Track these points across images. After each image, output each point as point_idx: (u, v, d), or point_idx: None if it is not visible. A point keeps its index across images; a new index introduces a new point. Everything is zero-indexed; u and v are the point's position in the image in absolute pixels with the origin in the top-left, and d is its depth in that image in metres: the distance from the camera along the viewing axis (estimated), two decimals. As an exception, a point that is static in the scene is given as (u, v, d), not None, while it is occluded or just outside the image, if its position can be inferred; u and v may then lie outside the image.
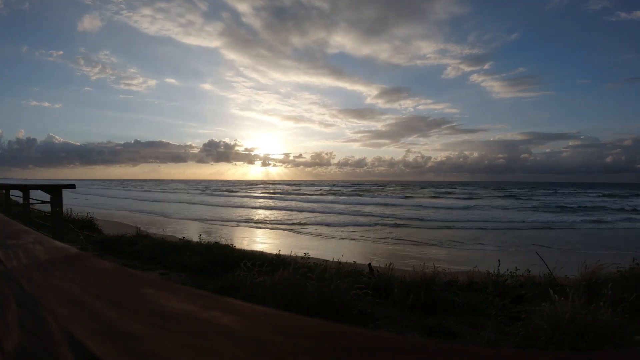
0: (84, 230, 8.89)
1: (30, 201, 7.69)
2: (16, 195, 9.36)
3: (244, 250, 7.33)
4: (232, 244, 7.01)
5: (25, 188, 7.60)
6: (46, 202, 6.77)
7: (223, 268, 5.16)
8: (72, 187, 6.56)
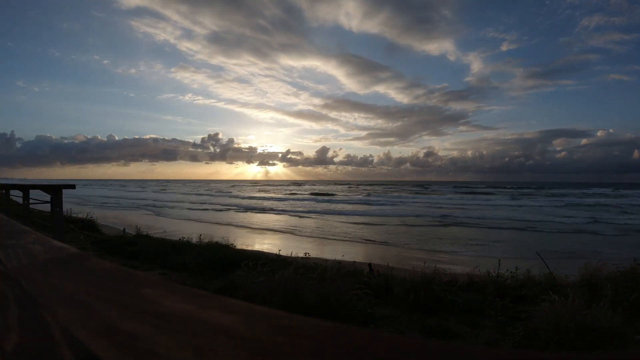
0: (84, 230, 8.89)
1: (30, 201, 7.69)
2: (16, 195, 9.36)
3: (244, 250, 7.33)
4: (232, 244, 7.01)
5: (25, 188, 7.60)
6: (46, 202, 6.77)
7: (223, 268, 5.16)
8: (72, 187, 6.56)
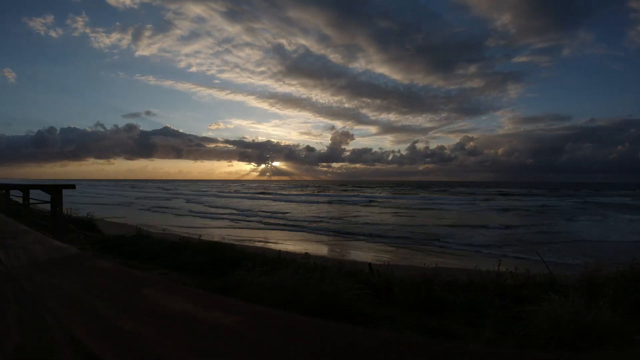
0: (84, 230, 8.88)
1: (30, 201, 7.69)
2: (16, 195, 9.36)
3: (244, 250, 7.33)
4: (232, 244, 7.01)
5: (25, 188, 7.60)
6: (46, 202, 6.77)
7: (224, 268, 5.16)
8: (72, 187, 6.57)
